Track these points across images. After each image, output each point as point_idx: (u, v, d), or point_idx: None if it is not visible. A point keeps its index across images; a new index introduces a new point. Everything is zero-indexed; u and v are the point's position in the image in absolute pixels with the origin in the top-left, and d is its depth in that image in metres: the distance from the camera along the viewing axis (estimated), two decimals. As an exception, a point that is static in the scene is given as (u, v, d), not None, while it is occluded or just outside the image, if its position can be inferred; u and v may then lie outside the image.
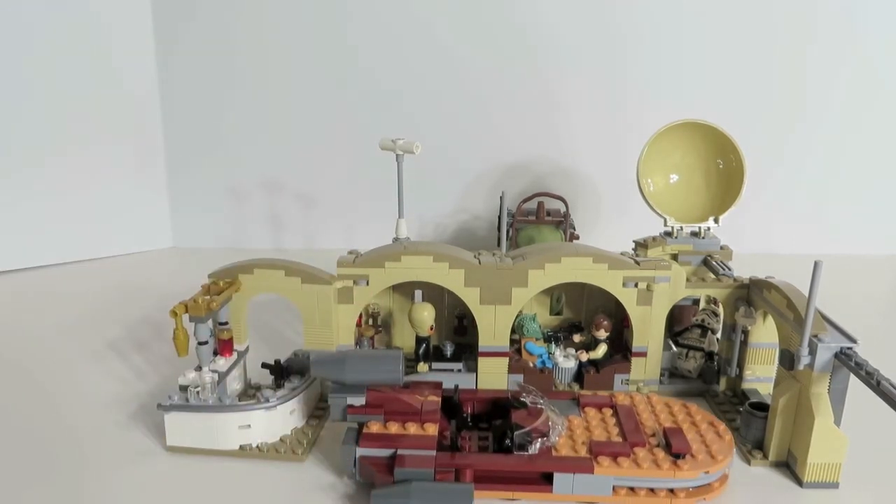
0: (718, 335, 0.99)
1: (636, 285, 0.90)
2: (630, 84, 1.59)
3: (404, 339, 1.05)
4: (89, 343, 1.13)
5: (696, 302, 1.04)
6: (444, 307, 1.02)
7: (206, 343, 0.83)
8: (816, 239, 1.63)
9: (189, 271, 1.45)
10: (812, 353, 0.72)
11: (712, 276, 0.97)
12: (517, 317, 0.95)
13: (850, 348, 0.72)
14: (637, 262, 0.90)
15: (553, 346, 0.98)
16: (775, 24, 1.54)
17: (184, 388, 0.81)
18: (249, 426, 0.80)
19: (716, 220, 1.06)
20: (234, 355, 0.89)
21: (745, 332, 0.91)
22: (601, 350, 0.96)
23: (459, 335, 1.02)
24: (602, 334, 0.96)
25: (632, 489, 0.72)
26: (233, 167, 1.68)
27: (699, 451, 0.72)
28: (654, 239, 1.06)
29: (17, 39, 1.43)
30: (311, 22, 1.57)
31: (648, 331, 0.92)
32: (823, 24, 1.53)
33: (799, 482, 0.75)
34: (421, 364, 0.96)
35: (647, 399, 0.83)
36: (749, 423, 0.82)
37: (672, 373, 0.99)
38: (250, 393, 0.92)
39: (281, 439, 0.82)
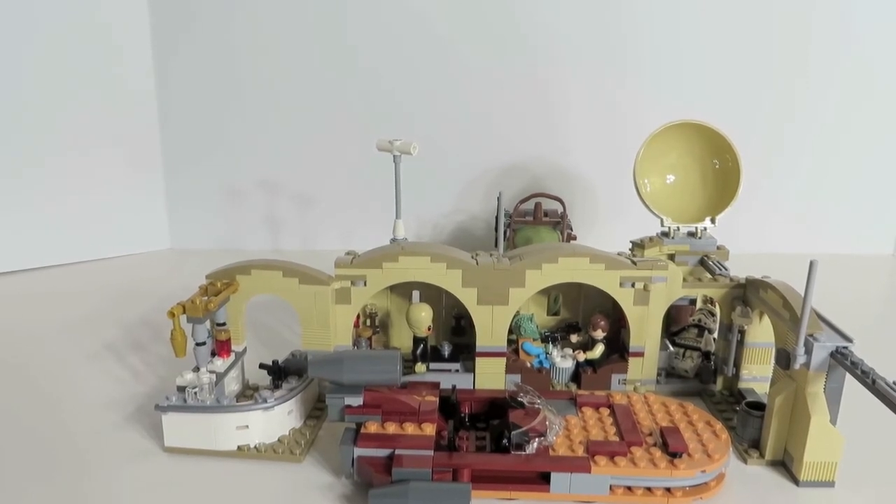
0: (715, 335, 0.99)
1: (633, 285, 0.90)
2: (627, 85, 1.59)
3: (402, 340, 1.05)
4: (87, 344, 1.13)
5: (693, 302, 1.04)
6: (441, 308, 1.02)
7: (203, 344, 0.83)
8: (812, 238, 1.63)
9: (186, 272, 1.46)
10: (808, 352, 0.72)
11: (709, 275, 0.97)
12: (514, 317, 0.95)
13: (845, 347, 0.72)
14: (634, 263, 0.91)
15: (550, 346, 0.98)
16: (771, 26, 1.54)
17: (181, 389, 0.81)
18: (247, 427, 0.80)
19: (712, 221, 1.06)
20: (232, 356, 0.89)
21: (742, 332, 0.91)
22: (598, 350, 0.97)
23: (457, 335, 1.02)
24: (599, 334, 0.96)
25: (629, 488, 0.72)
26: (230, 168, 1.68)
27: (696, 450, 0.73)
28: (650, 239, 1.07)
29: (15, 41, 1.43)
30: (309, 23, 1.57)
31: (645, 331, 0.92)
32: (818, 25, 1.54)
33: (795, 481, 0.76)
34: (419, 364, 0.96)
35: (643, 399, 0.84)
36: (745, 422, 0.82)
37: (669, 372, 0.99)
38: (248, 394, 0.92)
39: (279, 440, 0.82)
